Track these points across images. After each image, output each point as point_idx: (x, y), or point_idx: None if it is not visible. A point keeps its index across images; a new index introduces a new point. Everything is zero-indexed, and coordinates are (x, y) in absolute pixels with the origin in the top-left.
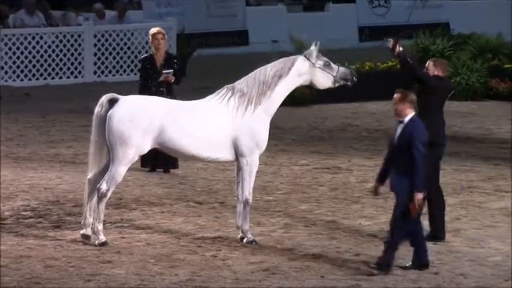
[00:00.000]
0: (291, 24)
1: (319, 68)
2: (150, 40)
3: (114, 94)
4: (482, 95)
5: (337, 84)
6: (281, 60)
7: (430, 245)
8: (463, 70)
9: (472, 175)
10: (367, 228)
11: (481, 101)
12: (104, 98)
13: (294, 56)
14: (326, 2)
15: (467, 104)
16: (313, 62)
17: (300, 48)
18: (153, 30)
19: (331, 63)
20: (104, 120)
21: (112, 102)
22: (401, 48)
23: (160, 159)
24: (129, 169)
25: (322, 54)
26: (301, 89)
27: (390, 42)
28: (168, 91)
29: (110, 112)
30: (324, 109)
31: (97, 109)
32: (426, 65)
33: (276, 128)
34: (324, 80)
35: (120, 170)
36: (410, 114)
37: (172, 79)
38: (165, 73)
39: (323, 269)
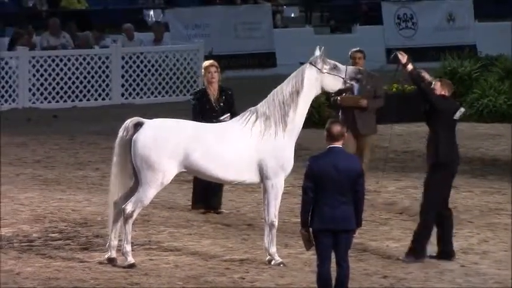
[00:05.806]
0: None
1: (327, 72)
2: (203, 73)
3: (139, 118)
4: (509, 117)
5: (347, 85)
6: (292, 75)
7: (457, 267)
8: (491, 92)
9: (499, 197)
10: (395, 250)
11: (509, 123)
12: (130, 122)
13: (302, 67)
14: (353, 24)
15: (494, 126)
16: (320, 68)
17: None
18: (206, 63)
19: (338, 65)
20: (127, 143)
21: (137, 126)
22: (412, 66)
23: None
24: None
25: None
26: (328, 111)
27: (404, 56)
28: None
29: (134, 136)
30: None
31: (121, 133)
32: (433, 85)
33: (303, 149)
34: (333, 83)
35: (149, 193)
36: None
37: None
38: (222, 119)
39: None
